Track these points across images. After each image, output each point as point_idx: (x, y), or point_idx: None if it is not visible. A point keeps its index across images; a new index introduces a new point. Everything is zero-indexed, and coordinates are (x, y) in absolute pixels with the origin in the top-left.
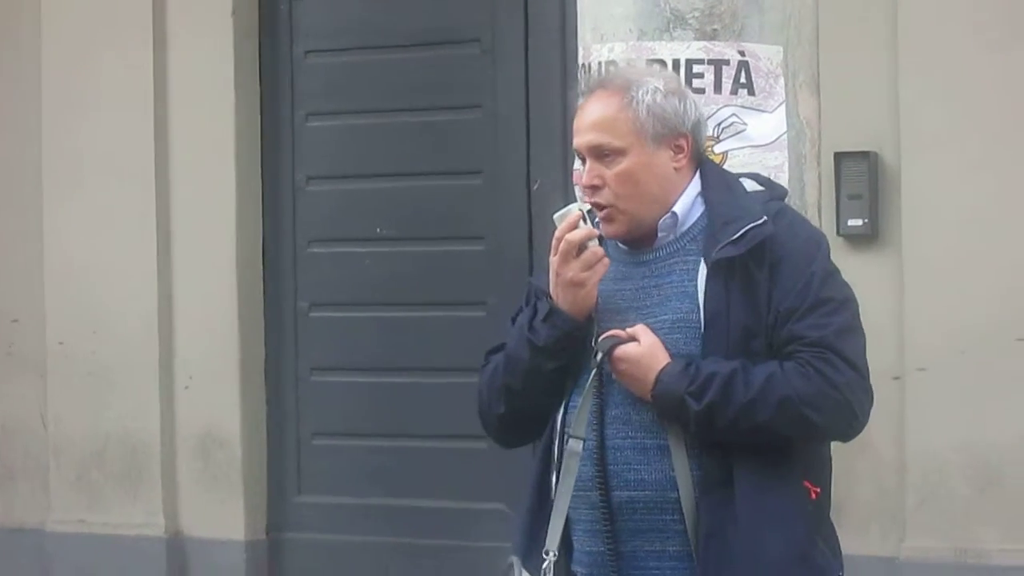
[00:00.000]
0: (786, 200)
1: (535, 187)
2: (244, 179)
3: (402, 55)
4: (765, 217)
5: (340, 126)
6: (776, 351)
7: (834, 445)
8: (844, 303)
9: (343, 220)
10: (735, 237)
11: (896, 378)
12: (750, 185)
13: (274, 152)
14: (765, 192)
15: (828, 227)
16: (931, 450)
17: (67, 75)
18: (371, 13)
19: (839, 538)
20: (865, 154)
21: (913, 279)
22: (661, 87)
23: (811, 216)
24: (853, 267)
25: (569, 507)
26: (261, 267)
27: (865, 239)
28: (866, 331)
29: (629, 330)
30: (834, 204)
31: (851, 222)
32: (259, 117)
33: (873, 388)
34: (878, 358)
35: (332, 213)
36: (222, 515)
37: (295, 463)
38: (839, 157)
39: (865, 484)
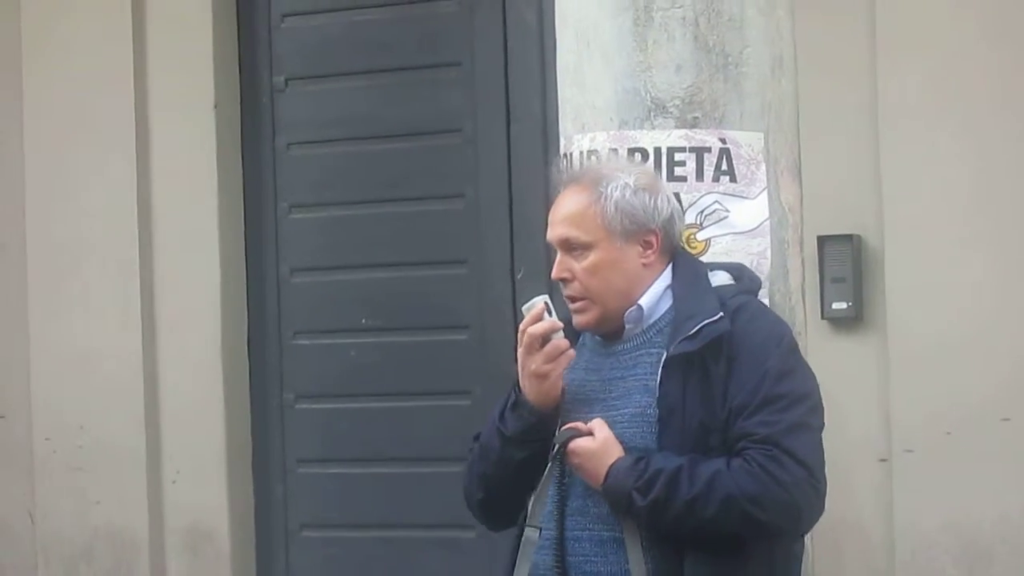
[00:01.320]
0: (766, 288)
1: (519, 275)
2: (228, 272)
3: (384, 146)
4: (720, 314)
5: (323, 217)
6: (730, 448)
7: (823, 526)
8: (799, 399)
9: (328, 311)
10: (691, 333)
11: (883, 460)
12: (721, 278)
13: (258, 244)
14: (733, 286)
15: (812, 311)
16: (919, 530)
17: (50, 164)
18: (353, 105)
19: None
20: (848, 237)
21: (898, 361)
22: (631, 183)
23: (795, 301)
24: (838, 350)
25: None
26: (247, 359)
27: (849, 322)
28: (852, 413)
29: (588, 424)
30: (818, 288)
31: (835, 305)
32: (242, 209)
33: (828, 480)
34: (865, 440)
35: (317, 304)
36: None
37: (283, 556)
38: (822, 240)
39: (854, 565)
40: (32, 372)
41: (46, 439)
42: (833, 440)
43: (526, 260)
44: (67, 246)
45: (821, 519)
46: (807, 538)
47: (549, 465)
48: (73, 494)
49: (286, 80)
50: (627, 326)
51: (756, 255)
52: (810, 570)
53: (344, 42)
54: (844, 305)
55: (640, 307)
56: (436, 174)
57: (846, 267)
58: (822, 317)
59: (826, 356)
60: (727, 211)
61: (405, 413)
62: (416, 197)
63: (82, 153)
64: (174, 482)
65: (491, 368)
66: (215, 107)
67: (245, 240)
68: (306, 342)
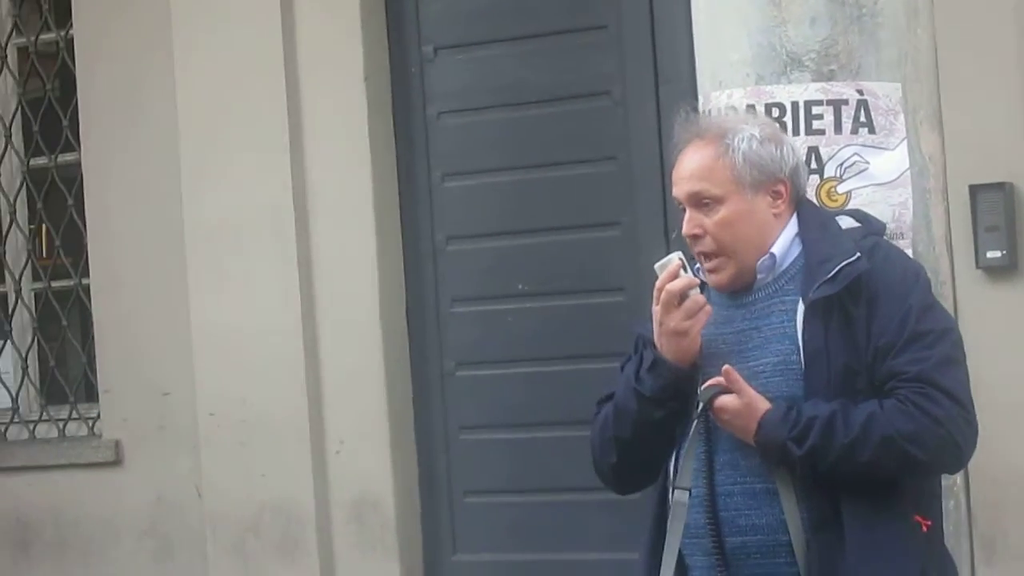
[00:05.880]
0: (909, 239)
1: (674, 236)
2: (384, 242)
3: (534, 111)
4: (859, 254)
5: (476, 185)
6: (877, 388)
7: (978, 476)
8: (943, 335)
9: (484, 278)
10: (830, 276)
11: None
12: (846, 222)
13: (412, 214)
14: (861, 228)
15: (967, 260)
16: None
17: (203, 146)
18: (502, 71)
19: (957, 566)
20: (1000, 185)
21: None
22: (757, 134)
23: (939, 251)
24: (993, 299)
25: (685, 553)
26: (406, 329)
27: (1004, 271)
28: (1009, 363)
29: (726, 379)
30: (972, 237)
31: (990, 254)
32: (396, 180)
33: (978, 419)
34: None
35: (473, 272)
36: None
37: (449, 522)
38: (974, 189)
39: (1017, 516)
40: (194, 349)
41: (210, 414)
42: (992, 388)
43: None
44: (223, 224)
45: (980, 471)
46: (960, 484)
47: (695, 423)
48: (239, 468)
49: (435, 49)
50: (759, 276)
51: (897, 206)
52: (968, 520)
53: (491, 9)
54: (999, 254)
55: (773, 255)
56: (587, 138)
57: (999, 215)
58: (977, 266)
59: (981, 305)
60: (867, 163)
61: (564, 377)
62: (568, 161)
63: (235, 132)
64: (338, 453)
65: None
66: (365, 79)
67: (400, 210)
68: (464, 309)
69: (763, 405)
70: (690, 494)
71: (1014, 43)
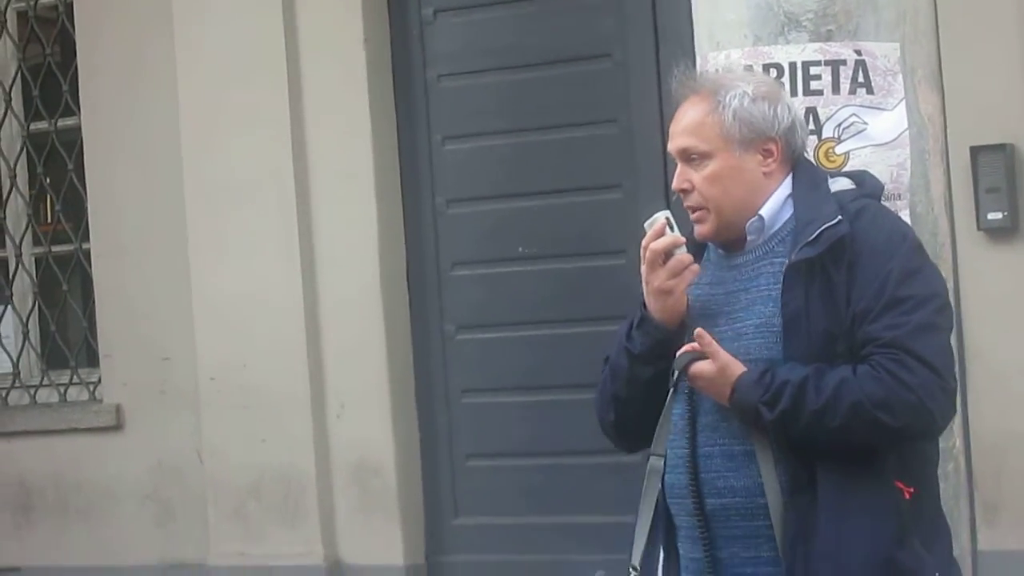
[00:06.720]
0: (907, 199)
1: (675, 197)
2: (384, 206)
3: (535, 74)
4: (839, 217)
5: (477, 148)
6: (854, 353)
7: (984, 442)
8: (925, 300)
9: (485, 241)
10: (811, 239)
11: None
12: (841, 183)
13: (413, 177)
14: (854, 190)
15: (967, 222)
16: None
17: (203, 111)
18: (502, 34)
19: (952, 532)
20: (1001, 146)
21: None
22: (749, 92)
23: (938, 212)
24: (994, 261)
25: (672, 513)
26: (406, 292)
27: (1005, 232)
28: (1010, 325)
29: (701, 344)
30: (973, 198)
31: (991, 216)
32: (396, 143)
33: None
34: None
35: (473, 235)
36: (380, 541)
37: (450, 486)
38: (975, 151)
39: (1016, 483)
40: (195, 314)
41: (211, 379)
42: (993, 350)
43: None
44: (224, 187)
45: (980, 433)
46: (960, 447)
47: (671, 392)
48: (239, 432)
49: (434, 12)
50: (749, 237)
51: (896, 166)
52: (969, 483)
53: None
54: (1000, 215)
55: (761, 217)
56: (587, 100)
57: (1000, 177)
58: (978, 228)
59: (982, 267)
60: (865, 123)
61: (565, 340)
62: (568, 123)
63: (235, 96)
64: (338, 417)
65: None
66: (365, 42)
67: (400, 174)
68: (464, 273)
69: (737, 368)
70: (665, 459)
71: (1014, 3)
